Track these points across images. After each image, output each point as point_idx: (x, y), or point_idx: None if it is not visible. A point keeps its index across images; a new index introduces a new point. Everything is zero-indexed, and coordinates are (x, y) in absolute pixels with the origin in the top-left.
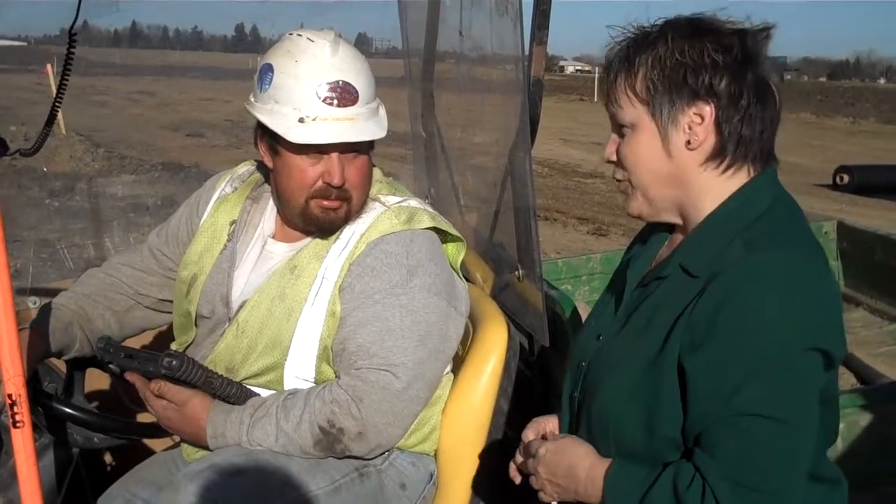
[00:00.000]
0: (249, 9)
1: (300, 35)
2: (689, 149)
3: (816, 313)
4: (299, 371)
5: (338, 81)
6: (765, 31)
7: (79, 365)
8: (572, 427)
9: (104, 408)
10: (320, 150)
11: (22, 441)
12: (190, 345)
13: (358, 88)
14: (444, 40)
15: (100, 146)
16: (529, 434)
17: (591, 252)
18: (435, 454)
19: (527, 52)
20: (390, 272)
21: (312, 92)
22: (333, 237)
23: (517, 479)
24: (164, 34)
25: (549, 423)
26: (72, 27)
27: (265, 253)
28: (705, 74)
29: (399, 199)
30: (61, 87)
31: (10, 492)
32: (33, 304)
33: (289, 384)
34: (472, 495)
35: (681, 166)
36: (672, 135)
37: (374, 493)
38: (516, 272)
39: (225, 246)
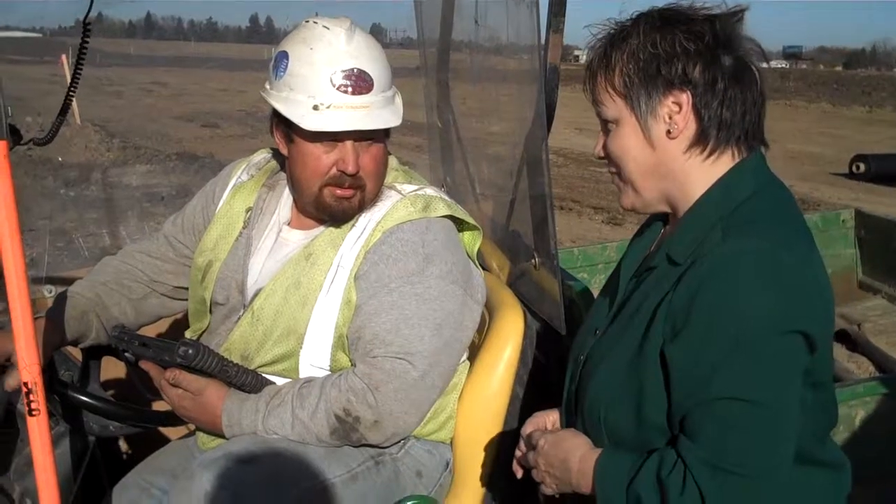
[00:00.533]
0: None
1: (316, 23)
2: (670, 138)
3: (793, 297)
4: (314, 359)
5: (352, 69)
6: (737, 14)
7: (94, 353)
8: (570, 420)
9: (119, 396)
10: (335, 137)
11: (38, 429)
12: (204, 332)
13: (373, 76)
14: (460, 29)
15: (114, 136)
16: (528, 427)
17: (607, 241)
18: (451, 442)
19: (543, 39)
20: (406, 260)
21: (327, 79)
22: (349, 225)
23: (519, 473)
24: (178, 25)
25: (550, 417)
26: (86, 17)
27: (280, 240)
28: (678, 63)
29: (415, 187)
30: (75, 76)
31: (27, 480)
32: (49, 292)
33: (304, 372)
34: (488, 483)
35: (665, 156)
36: (652, 126)
37: (390, 481)
38: (533, 260)
39: (240, 233)
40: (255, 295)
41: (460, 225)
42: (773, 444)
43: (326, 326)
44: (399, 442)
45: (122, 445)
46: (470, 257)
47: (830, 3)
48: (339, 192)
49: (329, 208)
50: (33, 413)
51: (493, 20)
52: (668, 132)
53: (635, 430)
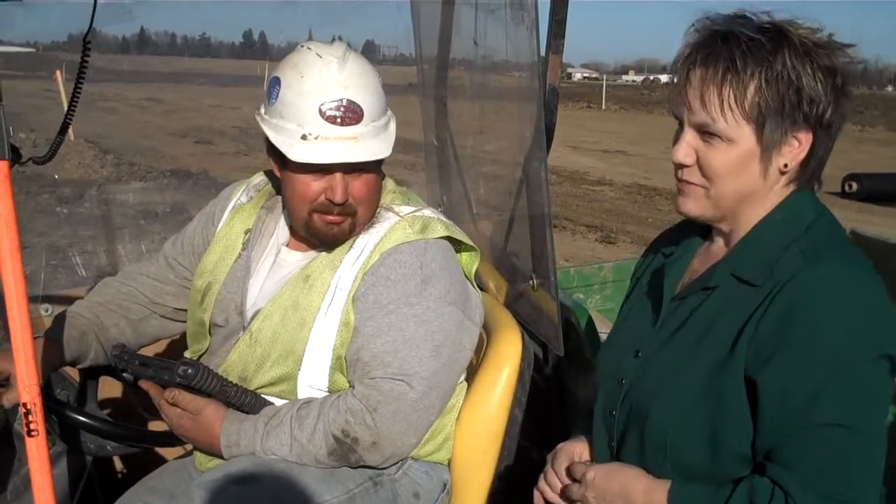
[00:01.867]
0: (257, 15)
1: (310, 49)
2: (782, 172)
3: (880, 321)
4: (313, 381)
5: (342, 100)
6: (853, 60)
7: (92, 373)
8: (614, 448)
9: (117, 416)
10: (323, 168)
11: (36, 449)
12: (203, 353)
13: (363, 106)
14: (458, 48)
15: (108, 153)
16: (563, 463)
17: (601, 260)
18: (449, 463)
19: (542, 60)
20: (405, 282)
21: (315, 110)
22: (347, 246)
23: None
24: (172, 41)
25: (577, 447)
26: (86, 35)
27: (279, 261)
28: (819, 104)
29: (412, 208)
30: (75, 95)
31: (24, 499)
32: (45, 311)
33: (302, 394)
34: None
35: (767, 183)
36: (774, 158)
37: (388, 503)
38: (531, 281)
39: (239, 255)
40: (254, 316)
41: (458, 246)
42: (873, 471)
43: (324, 348)
44: (397, 463)
45: (119, 465)
46: (468, 278)
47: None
48: (328, 217)
49: (319, 234)
50: (32, 434)
51: (492, 40)
52: (785, 166)
53: (710, 459)
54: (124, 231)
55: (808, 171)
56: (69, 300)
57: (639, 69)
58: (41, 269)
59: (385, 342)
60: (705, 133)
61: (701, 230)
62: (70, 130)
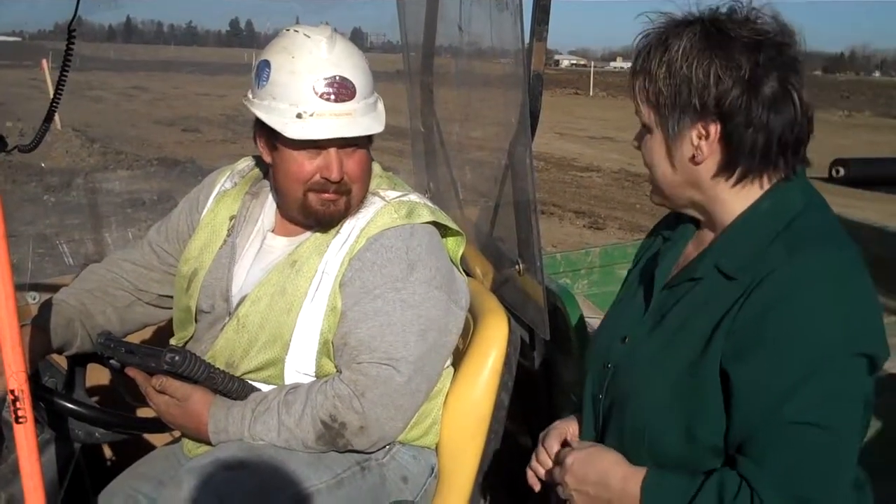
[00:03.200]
0: (244, 4)
1: (297, 31)
2: (694, 163)
3: (862, 317)
4: (300, 366)
5: (335, 77)
6: (788, 39)
7: (79, 360)
8: (597, 431)
9: (104, 403)
10: (318, 145)
11: (25, 436)
12: (189, 340)
13: (355, 83)
14: (444, 35)
15: (95, 141)
16: (553, 444)
17: (589, 246)
18: (436, 448)
19: (527, 46)
20: (391, 266)
21: (309, 88)
22: (334, 231)
23: (537, 487)
24: (158, 29)
25: (570, 427)
26: (71, 23)
27: (265, 247)
28: (710, 93)
29: (399, 193)
30: (60, 83)
31: (12, 487)
32: (32, 299)
33: (289, 379)
34: (473, 488)
35: (689, 177)
36: (676, 148)
37: (376, 487)
38: (517, 266)
39: (225, 241)
40: (241, 302)
41: (444, 231)
42: (845, 471)
43: (311, 333)
44: (385, 447)
45: (107, 452)
46: (454, 263)
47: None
48: (324, 196)
49: (315, 213)
50: (20, 420)
51: (476, 27)
52: (693, 157)
53: (684, 448)
54: (111, 219)
55: (744, 160)
56: (56, 288)
57: (626, 56)
58: (28, 257)
59: (371, 327)
60: (644, 125)
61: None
62: (56, 119)
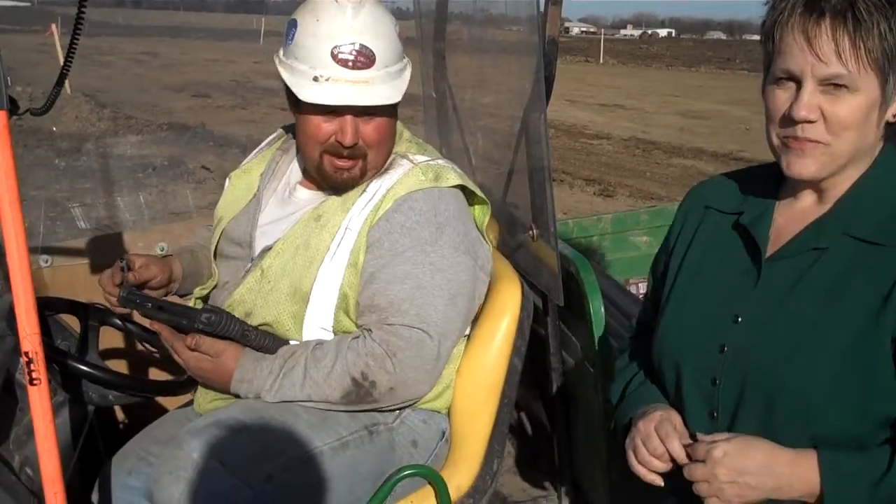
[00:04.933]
0: None
1: None
2: (891, 121)
3: None
4: (318, 319)
5: (355, 44)
6: None
7: (93, 322)
8: (718, 419)
9: (116, 366)
10: (335, 110)
11: (39, 398)
12: (214, 288)
13: (375, 51)
14: (456, 1)
15: (105, 106)
16: (672, 440)
17: (601, 213)
18: (448, 412)
19: (542, 11)
20: (419, 229)
21: (328, 52)
22: (360, 190)
23: (659, 481)
24: None
25: (674, 418)
26: None
27: (291, 198)
28: None
29: (427, 158)
30: (72, 47)
31: (27, 449)
32: (45, 262)
33: (307, 331)
34: (485, 453)
35: (878, 135)
36: (889, 108)
37: (384, 451)
38: (530, 232)
39: (255, 195)
40: (265, 252)
41: (471, 198)
42: None
43: (331, 287)
44: (395, 411)
45: (119, 415)
46: (480, 230)
47: None
48: (338, 162)
49: (329, 178)
50: (34, 382)
51: None
52: (894, 115)
53: (855, 424)
54: (122, 184)
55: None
56: (68, 252)
57: (636, 23)
58: (40, 220)
59: (402, 289)
60: (830, 86)
61: (765, 185)
62: (66, 84)
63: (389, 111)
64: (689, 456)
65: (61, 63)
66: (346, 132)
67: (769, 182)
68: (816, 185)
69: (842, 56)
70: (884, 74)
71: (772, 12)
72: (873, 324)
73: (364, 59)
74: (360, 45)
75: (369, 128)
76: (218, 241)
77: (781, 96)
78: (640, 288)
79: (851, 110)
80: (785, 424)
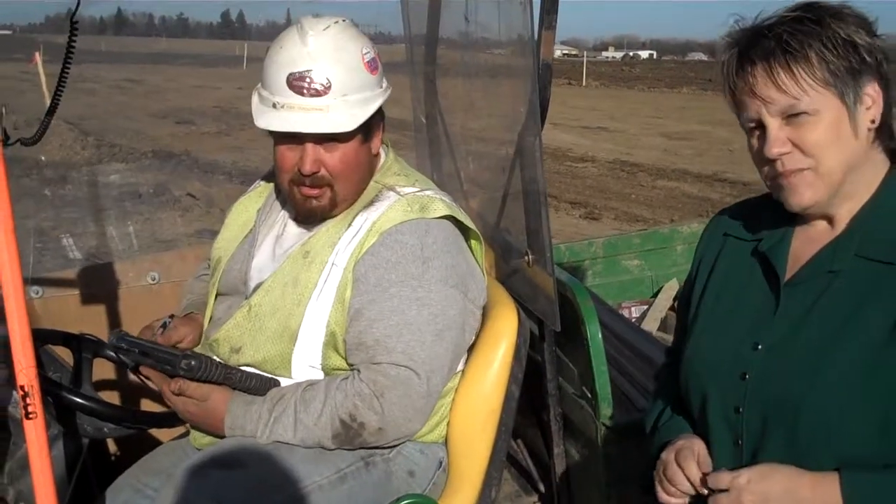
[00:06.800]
0: None
1: (300, 20)
2: (871, 127)
3: None
4: (306, 357)
5: (310, 70)
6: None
7: (86, 353)
8: (739, 447)
9: (108, 398)
10: (296, 138)
11: (35, 432)
12: (209, 324)
13: (331, 79)
14: (448, 24)
15: (89, 134)
16: (693, 469)
17: (587, 237)
18: (445, 441)
19: (535, 36)
20: (406, 264)
21: (283, 79)
22: (345, 224)
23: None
24: (149, 21)
25: (696, 446)
26: (73, 15)
27: (284, 234)
28: (875, 54)
29: (415, 189)
30: (63, 75)
31: (21, 483)
32: (35, 294)
33: (296, 370)
34: (483, 481)
35: (864, 145)
36: (860, 115)
37: (382, 482)
38: (526, 257)
39: (251, 230)
40: (255, 289)
41: (467, 231)
42: None
43: (319, 324)
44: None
45: (111, 447)
46: (475, 257)
47: None
48: (304, 190)
49: (299, 207)
50: (30, 416)
51: (484, 16)
52: (872, 121)
53: (878, 443)
54: (110, 213)
55: (886, 128)
56: (58, 283)
57: (618, 45)
58: (29, 251)
59: (388, 326)
60: (790, 117)
61: (783, 212)
62: None
63: (359, 140)
64: (707, 483)
65: (44, 91)
66: (304, 160)
67: (783, 209)
68: (823, 211)
69: (784, 89)
70: (838, 88)
71: (720, 76)
72: (890, 343)
73: (319, 86)
74: (314, 71)
75: (334, 157)
76: (219, 279)
77: (756, 143)
78: (633, 312)
79: (819, 132)
80: (809, 448)
